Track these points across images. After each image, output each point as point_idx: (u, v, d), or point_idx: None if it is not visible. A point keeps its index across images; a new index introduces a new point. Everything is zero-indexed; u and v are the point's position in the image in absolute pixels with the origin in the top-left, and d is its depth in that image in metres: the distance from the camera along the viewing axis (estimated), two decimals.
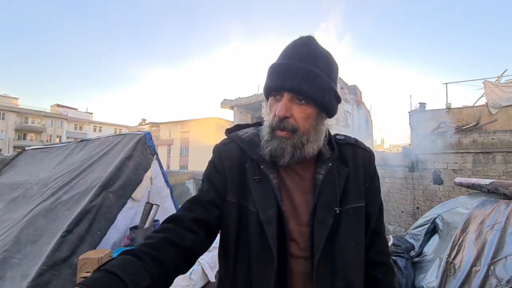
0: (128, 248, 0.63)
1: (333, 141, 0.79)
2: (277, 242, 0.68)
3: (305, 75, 0.66)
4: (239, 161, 0.76)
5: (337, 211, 0.71)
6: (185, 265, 0.67)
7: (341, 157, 0.78)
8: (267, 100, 0.78)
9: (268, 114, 0.75)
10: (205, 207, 0.73)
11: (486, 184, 2.59)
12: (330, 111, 0.73)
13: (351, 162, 0.77)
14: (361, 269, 0.73)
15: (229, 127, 0.87)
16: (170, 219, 0.71)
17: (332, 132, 0.83)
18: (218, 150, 0.80)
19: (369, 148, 0.83)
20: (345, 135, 0.84)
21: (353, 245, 0.71)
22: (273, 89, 0.70)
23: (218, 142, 0.83)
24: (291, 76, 0.66)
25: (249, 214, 0.72)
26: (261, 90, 17.41)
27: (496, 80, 10.01)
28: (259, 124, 0.84)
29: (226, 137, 0.84)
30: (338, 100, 0.74)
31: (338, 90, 0.76)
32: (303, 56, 0.68)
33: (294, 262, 0.71)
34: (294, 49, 0.70)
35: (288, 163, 0.70)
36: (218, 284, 0.79)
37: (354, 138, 0.84)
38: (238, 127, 0.86)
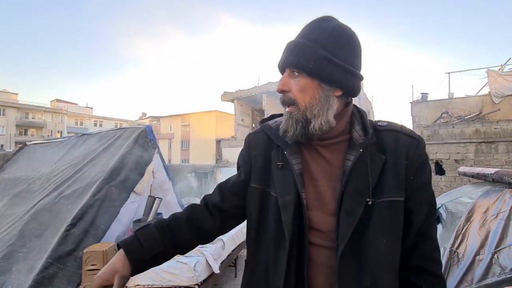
0: (160, 217, 0.78)
1: (367, 125, 0.71)
2: (292, 228, 0.67)
3: (293, 48, 0.69)
4: (266, 149, 0.78)
5: (369, 203, 0.65)
6: (200, 241, 0.82)
7: (379, 143, 0.70)
8: None
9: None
10: (223, 196, 0.82)
11: (491, 174, 2.56)
12: (329, 80, 0.66)
13: (391, 150, 0.69)
14: (393, 271, 0.66)
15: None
16: (202, 199, 0.85)
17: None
18: (248, 139, 0.85)
19: (418, 136, 0.72)
20: (389, 122, 0.75)
21: (384, 242, 0.64)
22: (279, 69, 0.74)
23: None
24: (286, 53, 0.70)
25: (270, 200, 0.73)
26: (261, 82, 17.29)
27: (500, 69, 9.89)
28: None
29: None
30: (336, 66, 0.66)
31: None
32: (303, 33, 0.71)
33: (315, 252, 0.68)
34: (304, 27, 0.73)
35: (292, 138, 0.70)
36: (244, 267, 0.81)
37: (400, 125, 0.74)
38: (272, 117, 0.87)
